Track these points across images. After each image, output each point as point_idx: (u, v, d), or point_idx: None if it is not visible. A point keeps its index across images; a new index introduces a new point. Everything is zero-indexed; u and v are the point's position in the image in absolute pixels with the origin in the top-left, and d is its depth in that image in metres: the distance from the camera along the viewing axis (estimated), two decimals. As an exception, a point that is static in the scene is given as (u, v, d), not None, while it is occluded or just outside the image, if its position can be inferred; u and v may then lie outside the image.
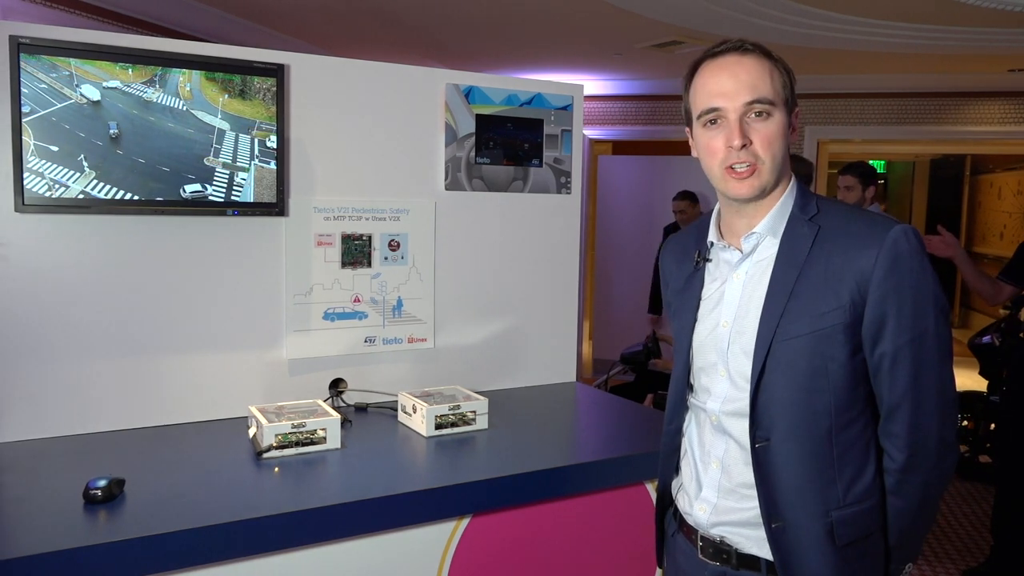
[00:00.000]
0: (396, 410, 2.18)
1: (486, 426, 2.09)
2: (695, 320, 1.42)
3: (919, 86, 6.18)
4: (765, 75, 1.31)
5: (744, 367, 1.33)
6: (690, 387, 1.46)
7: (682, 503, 1.47)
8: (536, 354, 2.61)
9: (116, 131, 1.89)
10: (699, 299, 1.43)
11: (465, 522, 1.75)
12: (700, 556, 1.41)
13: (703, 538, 1.41)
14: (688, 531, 1.45)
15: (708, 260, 1.44)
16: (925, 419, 1.29)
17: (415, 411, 2.06)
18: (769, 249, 1.35)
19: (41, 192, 1.84)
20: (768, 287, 1.32)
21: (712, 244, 1.43)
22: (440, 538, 1.73)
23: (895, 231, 1.27)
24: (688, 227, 1.57)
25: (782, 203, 1.35)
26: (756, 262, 1.36)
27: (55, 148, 1.84)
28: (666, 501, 1.54)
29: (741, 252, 1.37)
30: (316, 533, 1.55)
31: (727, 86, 1.30)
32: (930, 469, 1.32)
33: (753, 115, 1.30)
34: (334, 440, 1.89)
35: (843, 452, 1.30)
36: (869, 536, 1.34)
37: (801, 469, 1.30)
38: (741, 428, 1.34)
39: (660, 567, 1.61)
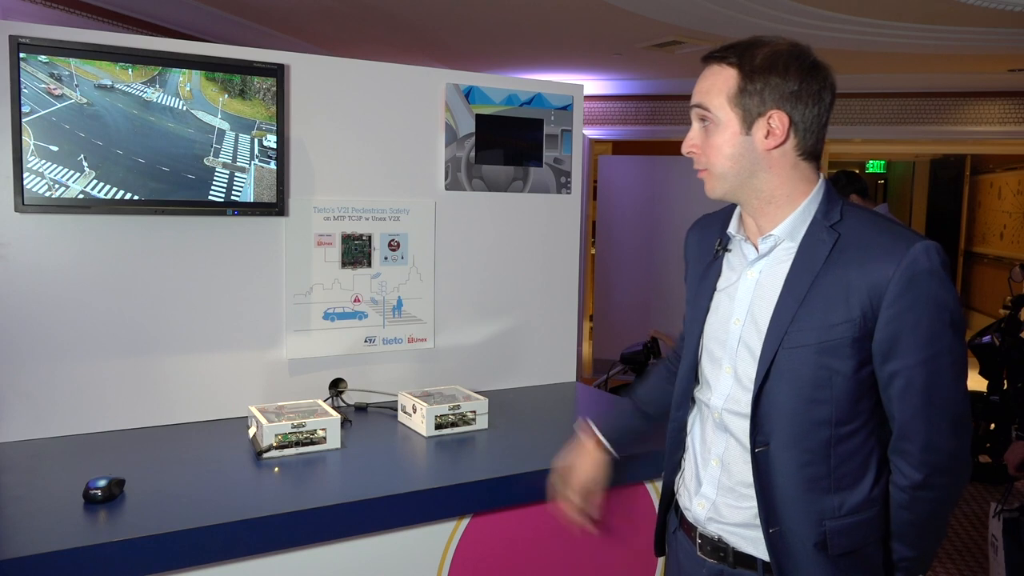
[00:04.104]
0: (396, 410, 2.18)
1: (486, 426, 2.09)
2: (707, 311, 1.42)
3: (919, 86, 6.18)
4: (720, 84, 1.29)
5: (750, 370, 1.33)
6: (696, 380, 1.46)
7: (682, 498, 1.47)
8: (536, 354, 2.60)
9: (86, 100, 1.88)
10: (714, 289, 1.42)
11: (465, 522, 1.75)
12: (699, 553, 1.42)
13: (701, 535, 1.41)
14: (688, 528, 1.45)
15: (728, 250, 1.42)
16: (939, 438, 1.27)
17: (415, 411, 2.06)
18: (786, 252, 1.33)
19: (41, 192, 1.84)
20: (780, 292, 1.30)
21: (732, 236, 1.42)
22: (440, 538, 1.73)
23: (916, 248, 1.22)
24: (717, 212, 1.54)
25: (803, 208, 1.32)
26: (771, 263, 1.34)
27: (55, 148, 1.84)
28: (669, 496, 1.54)
29: (757, 251, 1.36)
30: (316, 533, 1.55)
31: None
32: (944, 486, 1.30)
33: (701, 122, 1.33)
34: (334, 440, 1.89)
35: (840, 463, 1.29)
36: (865, 548, 1.32)
37: (798, 477, 1.29)
38: (742, 428, 1.34)
39: (658, 556, 1.61)
